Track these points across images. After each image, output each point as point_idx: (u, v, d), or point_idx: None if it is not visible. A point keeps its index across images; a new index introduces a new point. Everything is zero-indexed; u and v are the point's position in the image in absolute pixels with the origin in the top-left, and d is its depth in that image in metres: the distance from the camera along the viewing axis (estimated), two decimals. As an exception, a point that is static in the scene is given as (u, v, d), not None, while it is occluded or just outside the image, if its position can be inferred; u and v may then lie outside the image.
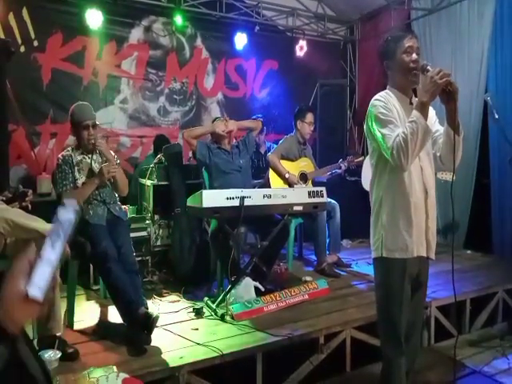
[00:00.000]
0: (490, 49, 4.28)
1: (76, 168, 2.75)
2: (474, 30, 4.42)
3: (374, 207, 1.84)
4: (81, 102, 2.84)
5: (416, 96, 1.78)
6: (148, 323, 2.24)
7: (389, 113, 1.72)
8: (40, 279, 0.69)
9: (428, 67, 1.66)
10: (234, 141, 3.67)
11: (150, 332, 2.27)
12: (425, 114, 1.62)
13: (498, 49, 4.27)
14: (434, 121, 1.88)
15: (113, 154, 2.94)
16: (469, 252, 4.37)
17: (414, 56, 1.73)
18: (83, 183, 2.74)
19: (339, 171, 4.06)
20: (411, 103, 1.79)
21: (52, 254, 0.70)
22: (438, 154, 1.82)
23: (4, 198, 2.27)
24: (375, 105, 1.75)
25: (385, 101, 1.75)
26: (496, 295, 3.34)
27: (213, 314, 2.77)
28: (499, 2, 4.18)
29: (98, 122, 2.81)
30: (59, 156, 2.80)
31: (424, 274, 1.88)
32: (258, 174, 4.19)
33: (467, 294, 3.19)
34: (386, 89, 1.87)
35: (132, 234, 3.03)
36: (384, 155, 1.72)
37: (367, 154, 2.69)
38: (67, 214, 0.75)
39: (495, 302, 3.34)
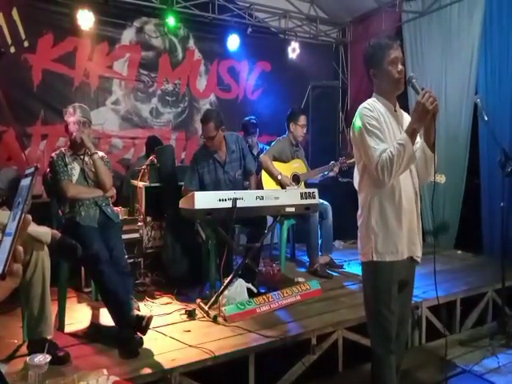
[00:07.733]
0: (479, 51, 4.33)
1: (69, 167, 2.77)
2: (464, 33, 4.47)
3: (362, 211, 1.83)
4: (79, 104, 2.87)
5: (399, 103, 1.85)
6: (141, 324, 2.23)
7: (377, 124, 1.73)
8: (1, 252, 0.65)
9: (413, 80, 1.71)
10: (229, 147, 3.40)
11: (145, 332, 2.25)
12: (413, 140, 1.65)
13: (487, 51, 4.32)
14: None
15: (102, 153, 2.96)
16: (459, 252, 4.41)
17: (400, 67, 1.77)
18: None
19: (332, 174, 4.06)
20: (395, 110, 1.84)
21: (13, 225, 0.66)
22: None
23: None
24: (364, 114, 1.75)
25: (373, 109, 1.76)
26: (486, 295, 3.38)
27: (205, 315, 2.76)
28: (488, 5, 4.24)
29: (91, 125, 2.83)
30: (52, 155, 2.83)
31: (411, 273, 1.90)
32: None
33: (457, 294, 3.22)
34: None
35: (124, 236, 3.03)
36: None
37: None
38: (24, 180, 0.71)
39: (485, 302, 3.37)
